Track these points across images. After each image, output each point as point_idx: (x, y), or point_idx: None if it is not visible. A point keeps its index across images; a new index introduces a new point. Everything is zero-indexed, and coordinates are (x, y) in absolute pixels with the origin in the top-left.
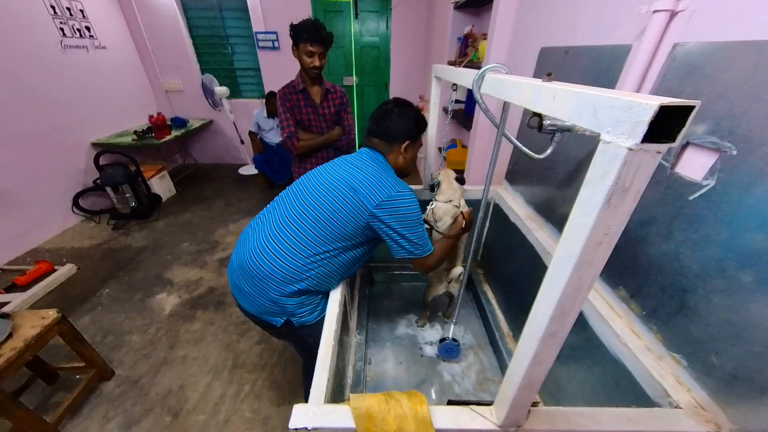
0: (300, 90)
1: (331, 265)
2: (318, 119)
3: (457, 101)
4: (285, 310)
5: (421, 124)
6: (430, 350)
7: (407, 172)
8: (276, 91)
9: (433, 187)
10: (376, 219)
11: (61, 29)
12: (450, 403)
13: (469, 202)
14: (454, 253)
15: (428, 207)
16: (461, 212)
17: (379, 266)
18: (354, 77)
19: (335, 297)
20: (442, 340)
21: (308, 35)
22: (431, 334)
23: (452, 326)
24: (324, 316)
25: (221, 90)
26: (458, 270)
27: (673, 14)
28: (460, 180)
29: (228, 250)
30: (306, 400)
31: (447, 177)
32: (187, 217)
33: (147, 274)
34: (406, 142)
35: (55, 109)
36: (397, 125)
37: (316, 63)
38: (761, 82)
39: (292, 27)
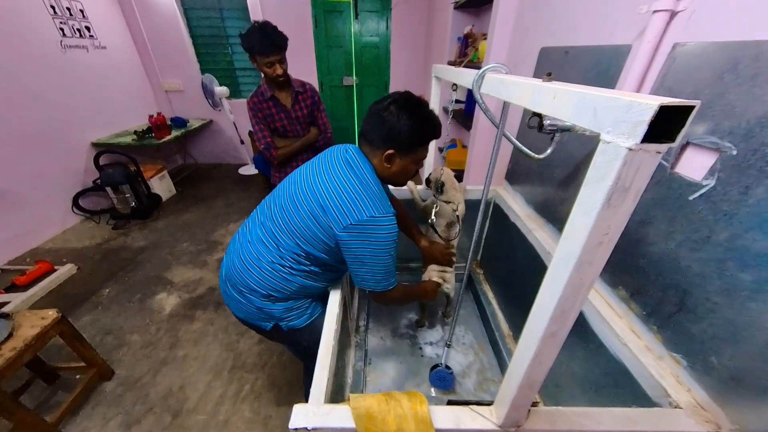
0: (269, 97)
1: (309, 280)
2: (292, 123)
3: (457, 101)
4: (272, 315)
5: (420, 134)
6: (430, 350)
7: (398, 182)
8: None
9: (439, 188)
10: (342, 241)
11: (61, 29)
12: (450, 403)
13: (468, 202)
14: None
15: (433, 209)
16: (434, 281)
17: None
18: (354, 77)
19: (335, 297)
20: (434, 367)
21: (261, 46)
22: (431, 334)
23: (445, 349)
24: (314, 320)
25: (221, 90)
26: (449, 275)
27: (673, 14)
28: (458, 180)
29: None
30: (306, 400)
31: (449, 177)
32: (187, 217)
33: (147, 274)
34: (389, 151)
35: (55, 109)
36: (382, 127)
37: (279, 71)
38: (761, 82)
39: (242, 39)
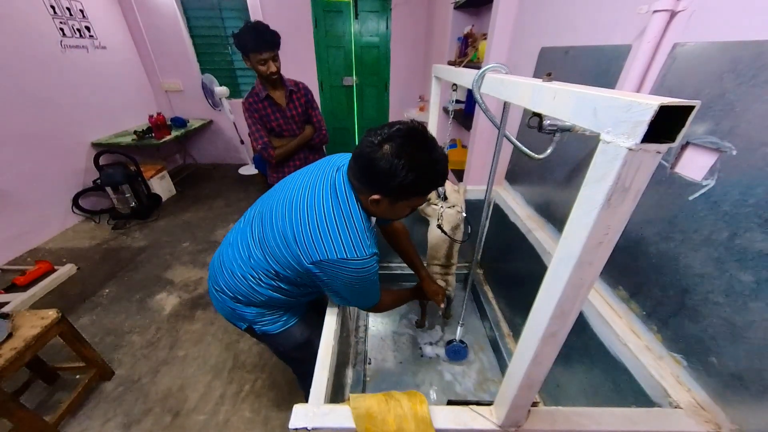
0: (264, 97)
1: (279, 294)
2: (288, 122)
3: (457, 101)
4: (244, 318)
5: (419, 187)
6: (431, 350)
7: (388, 219)
8: None
9: (441, 195)
10: (312, 273)
11: (61, 29)
12: (450, 403)
13: (469, 203)
14: (447, 259)
15: (436, 215)
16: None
17: (380, 265)
18: (354, 77)
19: None
20: (450, 342)
21: (254, 44)
22: (431, 334)
23: (459, 328)
24: (290, 328)
25: (221, 90)
26: (451, 278)
27: (673, 14)
28: (458, 180)
29: None
30: (306, 400)
31: (448, 183)
32: (187, 217)
33: (147, 274)
34: (374, 196)
35: (55, 109)
36: (371, 170)
37: (272, 69)
38: (761, 82)
39: (235, 38)
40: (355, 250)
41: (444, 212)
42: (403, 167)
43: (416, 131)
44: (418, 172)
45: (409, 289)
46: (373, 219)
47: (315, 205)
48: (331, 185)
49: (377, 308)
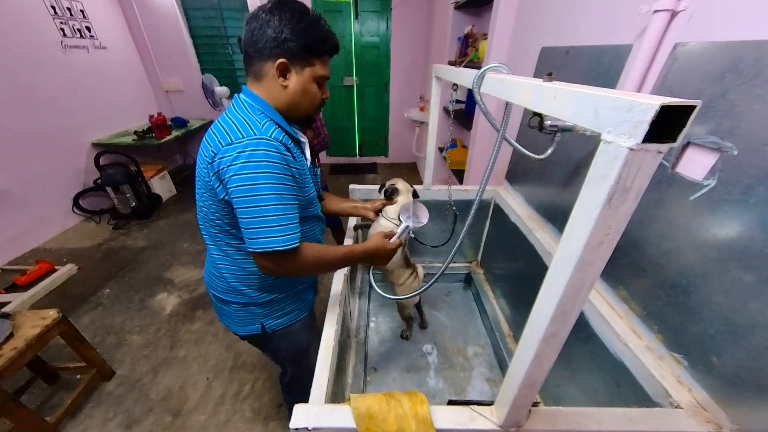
0: None
1: (233, 264)
2: None
3: (457, 101)
4: (254, 312)
5: (310, 37)
6: (431, 350)
7: (303, 111)
8: None
9: (388, 193)
10: (215, 186)
11: (62, 29)
12: (450, 403)
13: (469, 202)
14: (404, 261)
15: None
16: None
17: None
18: (354, 77)
19: (335, 297)
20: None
21: None
22: (428, 334)
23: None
24: (295, 324)
25: (221, 90)
26: (420, 270)
27: (673, 14)
28: (415, 195)
29: None
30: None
31: (406, 190)
32: (188, 217)
33: (147, 274)
34: (280, 60)
35: (56, 109)
36: (264, 29)
37: None
38: (762, 81)
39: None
40: (240, 132)
41: (379, 224)
42: (292, 17)
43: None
44: (307, 21)
45: (350, 246)
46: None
47: (212, 126)
48: (227, 108)
49: (299, 257)
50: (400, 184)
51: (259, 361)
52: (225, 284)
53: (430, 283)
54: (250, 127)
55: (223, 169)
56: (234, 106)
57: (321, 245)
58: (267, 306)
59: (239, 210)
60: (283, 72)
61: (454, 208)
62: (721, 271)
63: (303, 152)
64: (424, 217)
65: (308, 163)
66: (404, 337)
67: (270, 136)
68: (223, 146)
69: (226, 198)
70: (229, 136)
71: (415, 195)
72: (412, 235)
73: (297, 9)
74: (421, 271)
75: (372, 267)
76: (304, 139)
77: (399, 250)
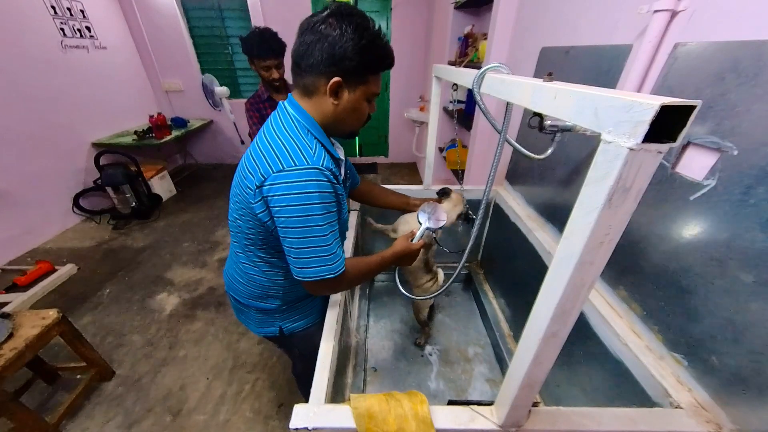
0: (266, 98)
1: (273, 273)
2: None
3: (458, 101)
4: (271, 313)
5: (371, 55)
6: (430, 349)
7: (349, 127)
8: None
9: (440, 193)
10: (261, 213)
11: (62, 29)
12: (450, 403)
13: (469, 202)
14: (424, 265)
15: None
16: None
17: None
18: None
19: (335, 298)
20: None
21: (259, 50)
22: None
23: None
24: (312, 327)
25: (221, 90)
26: (441, 276)
27: (673, 14)
28: (468, 219)
29: (228, 250)
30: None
31: (457, 201)
32: (188, 217)
33: (147, 274)
34: (335, 79)
35: (56, 109)
36: (322, 44)
37: (275, 75)
38: (762, 81)
39: (242, 43)
40: (292, 159)
41: (403, 219)
42: (354, 32)
43: (354, 7)
44: (368, 38)
45: (381, 253)
46: (341, 153)
47: (259, 139)
48: (273, 118)
49: (346, 276)
50: (455, 194)
51: (259, 361)
52: (249, 291)
53: (446, 285)
54: (302, 154)
55: (273, 197)
56: (281, 120)
57: (357, 259)
58: (286, 311)
59: (287, 239)
60: (336, 91)
61: (470, 213)
62: (721, 271)
63: (340, 170)
64: (443, 217)
65: (342, 177)
66: (418, 344)
67: (322, 165)
68: (273, 172)
69: (268, 223)
70: (281, 161)
71: (467, 218)
72: (439, 245)
73: (359, 24)
74: (441, 278)
75: (397, 267)
76: (342, 156)
77: (421, 251)
